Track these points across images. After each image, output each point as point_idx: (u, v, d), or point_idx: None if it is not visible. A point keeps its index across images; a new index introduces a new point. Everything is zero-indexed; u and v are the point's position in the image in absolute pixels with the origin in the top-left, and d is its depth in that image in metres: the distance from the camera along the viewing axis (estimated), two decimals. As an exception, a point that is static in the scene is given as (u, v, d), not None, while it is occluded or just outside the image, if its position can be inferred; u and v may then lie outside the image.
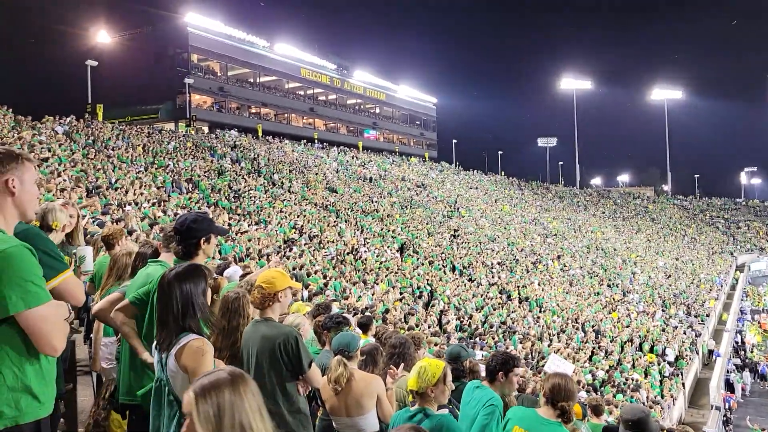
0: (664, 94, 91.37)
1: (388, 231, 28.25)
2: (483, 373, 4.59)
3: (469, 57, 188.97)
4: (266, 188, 28.24)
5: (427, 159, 65.94)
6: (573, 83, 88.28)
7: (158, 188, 21.25)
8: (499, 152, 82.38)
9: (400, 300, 18.03)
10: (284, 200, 26.89)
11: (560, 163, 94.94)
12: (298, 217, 24.45)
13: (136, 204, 17.71)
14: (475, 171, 66.84)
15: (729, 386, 25.23)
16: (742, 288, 50.11)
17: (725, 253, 64.93)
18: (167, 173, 24.14)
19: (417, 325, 15.48)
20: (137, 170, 22.78)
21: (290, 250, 18.88)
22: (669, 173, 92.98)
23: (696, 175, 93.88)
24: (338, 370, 3.78)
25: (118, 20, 48.52)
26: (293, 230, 21.96)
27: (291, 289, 3.59)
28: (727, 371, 26.35)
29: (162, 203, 19.00)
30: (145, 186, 20.64)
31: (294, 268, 15.98)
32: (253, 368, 3.38)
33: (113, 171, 21.10)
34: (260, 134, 46.10)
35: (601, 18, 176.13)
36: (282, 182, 30.80)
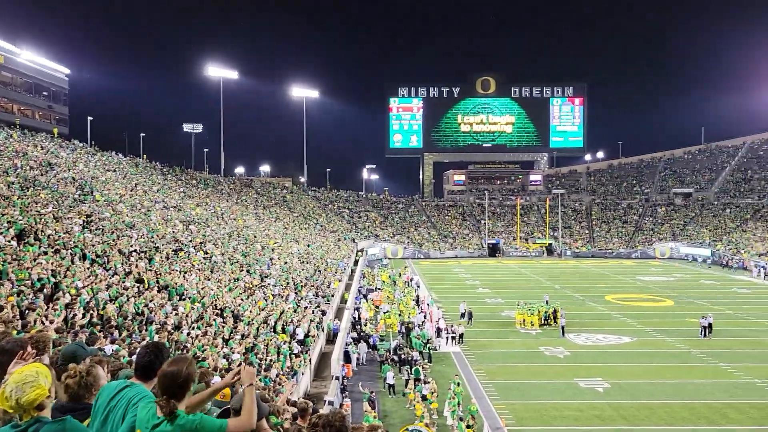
0: (303, 92, 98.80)
1: (3, 215, 24.27)
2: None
3: (110, 28, 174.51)
4: None
5: (56, 135, 58.50)
6: (220, 71, 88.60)
7: None
8: (142, 135, 78.42)
9: (18, 294, 15.72)
10: None
11: (206, 150, 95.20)
12: None
13: None
14: (114, 153, 62.25)
15: (347, 357, 28.75)
16: (360, 270, 57.75)
17: (348, 240, 73.96)
18: None
19: (35, 321, 13.77)
20: None
21: None
22: (305, 166, 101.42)
23: (328, 169, 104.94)
24: None
25: None
26: None
27: None
28: (346, 344, 29.96)
29: None
30: None
31: None
32: None
33: None
34: None
35: (246, 10, 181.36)
36: None
